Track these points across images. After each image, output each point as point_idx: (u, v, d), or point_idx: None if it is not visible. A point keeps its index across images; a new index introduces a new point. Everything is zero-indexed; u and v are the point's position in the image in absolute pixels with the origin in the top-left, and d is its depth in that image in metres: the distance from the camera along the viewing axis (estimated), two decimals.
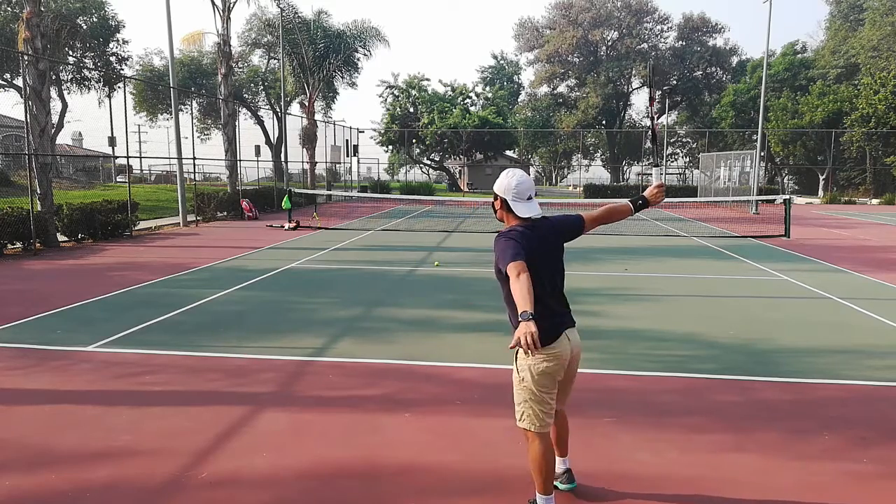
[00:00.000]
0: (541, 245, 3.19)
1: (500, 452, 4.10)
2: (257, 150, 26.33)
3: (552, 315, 3.17)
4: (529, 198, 3.22)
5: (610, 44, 58.29)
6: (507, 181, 3.23)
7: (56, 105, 36.51)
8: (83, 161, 41.96)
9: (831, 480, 3.79)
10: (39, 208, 13.73)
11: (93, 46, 38.24)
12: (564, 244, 3.36)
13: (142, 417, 4.62)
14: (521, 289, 2.85)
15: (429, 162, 55.18)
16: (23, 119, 16.34)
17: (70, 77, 37.66)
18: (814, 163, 45.53)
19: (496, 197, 3.29)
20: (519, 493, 3.60)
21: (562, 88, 63.11)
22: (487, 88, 56.51)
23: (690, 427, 4.54)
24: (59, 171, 33.90)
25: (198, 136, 46.83)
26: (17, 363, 5.82)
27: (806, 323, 7.71)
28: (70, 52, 37.10)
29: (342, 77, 36.95)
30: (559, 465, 3.57)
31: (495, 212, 3.35)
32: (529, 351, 2.68)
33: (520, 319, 2.73)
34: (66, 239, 14.67)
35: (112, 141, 16.95)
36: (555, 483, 3.46)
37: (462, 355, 6.14)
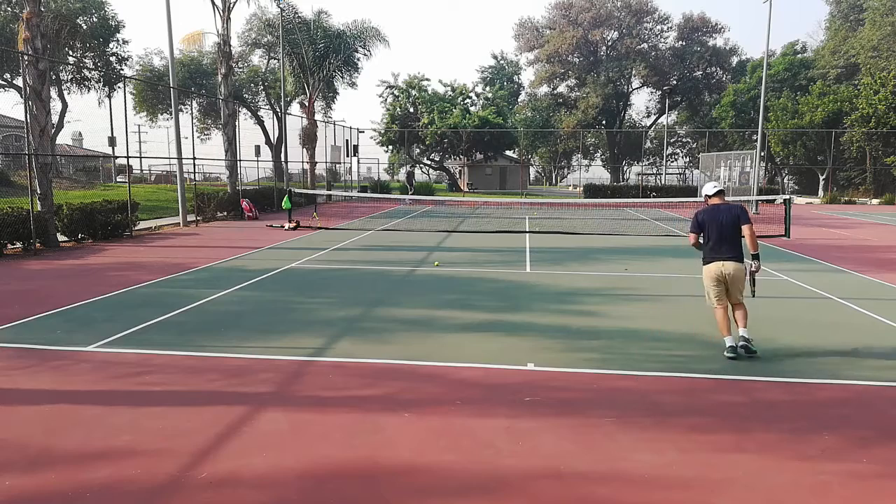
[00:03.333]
0: (714, 216, 6.34)
1: (500, 452, 4.10)
2: (257, 150, 26.33)
3: (711, 251, 6.36)
4: (717, 193, 6.55)
5: (610, 44, 58.28)
6: (705, 186, 6.69)
7: (56, 105, 36.57)
8: (83, 161, 41.93)
9: (831, 480, 3.79)
10: (39, 208, 13.73)
11: (93, 46, 38.25)
12: (735, 226, 6.28)
13: (142, 417, 4.62)
14: (691, 242, 6.69)
15: (429, 162, 55.17)
16: (23, 119, 16.34)
17: (70, 77, 37.68)
18: (814, 163, 45.54)
19: (706, 194, 6.62)
20: (519, 493, 3.60)
21: (562, 88, 63.13)
22: (487, 88, 56.45)
23: (690, 427, 4.55)
24: (59, 171, 33.89)
25: (198, 136, 46.90)
26: (17, 363, 5.82)
27: (806, 323, 7.71)
28: (70, 52, 37.11)
29: (342, 77, 36.95)
30: (740, 333, 6.14)
31: (706, 201, 6.59)
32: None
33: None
34: (66, 239, 14.67)
35: (112, 141, 16.95)
36: (738, 349, 6.07)
37: (462, 355, 6.14)
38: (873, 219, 25.17)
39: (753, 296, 6.48)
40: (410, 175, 41.77)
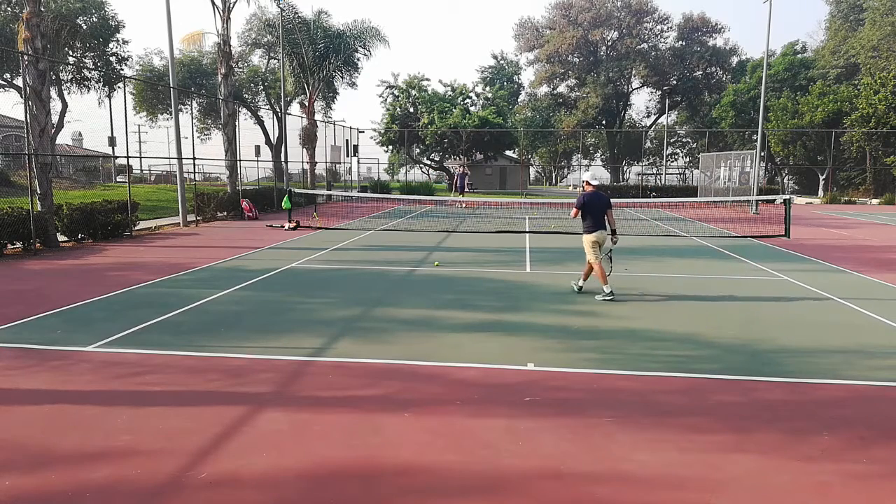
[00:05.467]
0: (596, 201, 8.91)
1: (500, 452, 4.10)
2: (257, 150, 26.32)
3: (593, 224, 8.87)
4: (597, 183, 9.25)
5: (610, 44, 58.26)
6: (587, 174, 9.60)
7: (56, 105, 36.52)
8: (83, 161, 41.93)
9: (831, 480, 3.79)
10: (39, 208, 13.72)
11: (93, 46, 38.21)
12: (605, 209, 8.95)
13: (142, 417, 4.62)
14: (573, 215, 9.14)
15: (429, 162, 55.16)
16: (23, 119, 16.33)
17: (70, 77, 37.63)
18: (814, 163, 45.52)
19: (585, 180, 9.23)
20: (519, 493, 3.60)
21: (562, 88, 63.08)
22: (487, 88, 56.39)
23: (690, 427, 4.55)
24: (59, 171, 33.90)
25: (198, 136, 46.92)
26: (17, 363, 5.82)
27: (806, 323, 7.71)
28: (70, 52, 37.08)
29: (342, 77, 36.93)
30: (605, 290, 8.68)
31: (584, 186, 9.12)
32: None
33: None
34: (66, 239, 14.66)
35: (112, 141, 16.94)
36: (605, 298, 8.62)
37: (462, 355, 6.14)
38: (873, 219, 25.17)
39: (610, 273, 8.93)
40: (464, 177, 30.31)
